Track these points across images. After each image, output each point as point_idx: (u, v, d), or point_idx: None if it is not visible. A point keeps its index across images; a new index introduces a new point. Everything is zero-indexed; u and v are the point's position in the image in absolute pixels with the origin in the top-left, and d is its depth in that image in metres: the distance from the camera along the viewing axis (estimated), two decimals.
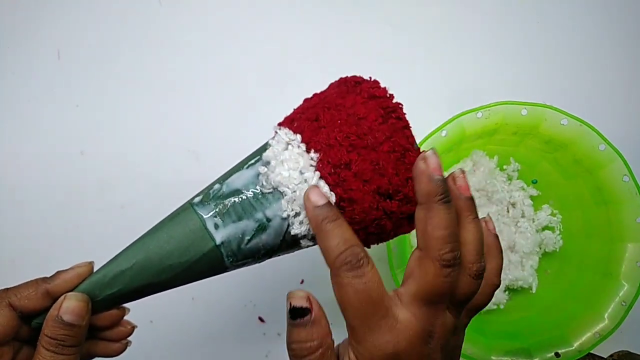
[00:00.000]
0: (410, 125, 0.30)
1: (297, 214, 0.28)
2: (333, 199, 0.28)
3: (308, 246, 0.30)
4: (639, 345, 0.48)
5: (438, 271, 0.24)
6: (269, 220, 0.28)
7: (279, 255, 0.31)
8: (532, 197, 0.52)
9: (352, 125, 0.28)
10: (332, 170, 0.28)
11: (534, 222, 0.51)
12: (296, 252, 0.53)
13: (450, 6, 0.60)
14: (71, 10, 0.58)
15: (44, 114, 0.56)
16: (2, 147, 0.55)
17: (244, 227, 0.28)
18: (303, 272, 0.53)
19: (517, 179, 0.52)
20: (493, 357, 0.43)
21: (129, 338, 0.31)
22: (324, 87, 0.59)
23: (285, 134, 0.29)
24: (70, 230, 0.53)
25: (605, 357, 0.46)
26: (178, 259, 0.27)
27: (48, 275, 0.28)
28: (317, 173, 0.28)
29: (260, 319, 0.52)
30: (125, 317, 0.32)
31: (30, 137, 0.55)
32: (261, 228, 0.28)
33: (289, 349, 0.25)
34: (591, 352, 0.43)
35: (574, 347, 0.43)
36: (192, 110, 0.56)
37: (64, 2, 0.58)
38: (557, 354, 0.43)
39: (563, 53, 0.59)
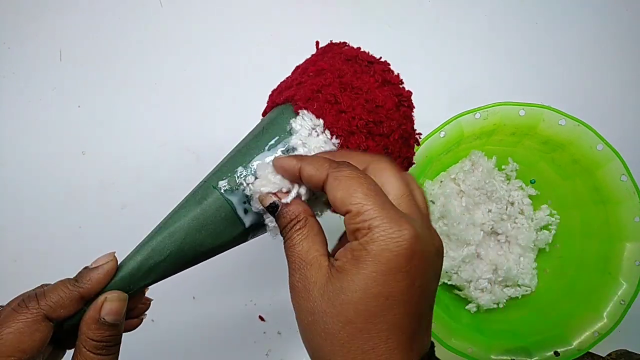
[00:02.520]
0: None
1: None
2: None
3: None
4: (638, 344, 0.48)
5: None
6: None
7: None
8: (530, 197, 0.53)
9: (370, 112, 0.29)
10: None
11: (532, 221, 0.52)
12: None
13: (448, 8, 0.60)
14: (73, 11, 0.59)
15: (46, 114, 0.56)
16: (3, 147, 0.55)
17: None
18: None
19: (516, 178, 0.53)
20: (492, 356, 0.43)
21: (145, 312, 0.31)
22: None
23: (310, 119, 0.30)
24: (72, 230, 0.53)
25: (603, 356, 0.46)
26: (210, 245, 0.28)
27: (45, 278, 0.28)
28: None
29: (261, 318, 0.52)
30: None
31: (32, 137, 0.56)
32: None
33: (282, 232, 0.26)
34: (590, 350, 0.43)
35: (573, 346, 0.43)
36: (192, 110, 0.57)
37: (65, 3, 0.59)
38: (556, 353, 0.43)
39: (561, 54, 0.59)
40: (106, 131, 0.56)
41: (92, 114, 0.56)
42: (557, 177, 0.51)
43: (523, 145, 0.50)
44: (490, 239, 0.52)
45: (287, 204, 0.26)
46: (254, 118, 0.56)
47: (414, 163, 0.33)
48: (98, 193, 0.54)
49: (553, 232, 0.51)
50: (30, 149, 0.55)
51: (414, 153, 0.33)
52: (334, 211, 0.25)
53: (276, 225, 0.27)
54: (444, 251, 0.49)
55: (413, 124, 0.32)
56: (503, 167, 0.53)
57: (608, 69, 0.58)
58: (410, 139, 0.31)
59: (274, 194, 0.27)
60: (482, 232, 0.50)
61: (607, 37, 0.59)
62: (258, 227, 0.30)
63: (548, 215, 0.52)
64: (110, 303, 0.25)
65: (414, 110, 0.32)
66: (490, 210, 0.51)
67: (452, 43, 0.59)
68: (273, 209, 0.26)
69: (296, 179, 0.26)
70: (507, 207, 0.52)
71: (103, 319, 0.25)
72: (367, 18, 0.59)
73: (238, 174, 0.29)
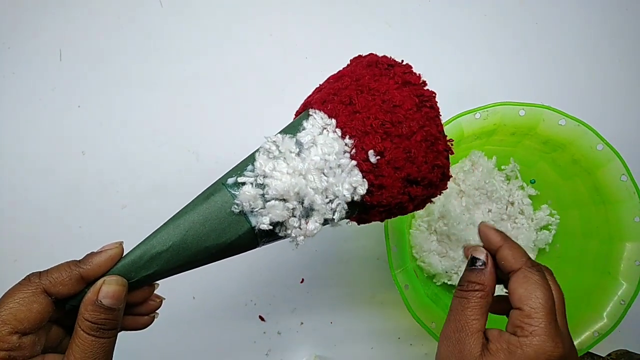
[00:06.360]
0: (441, 113, 0.30)
1: (330, 201, 0.28)
2: (365, 185, 0.28)
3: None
4: (638, 344, 0.48)
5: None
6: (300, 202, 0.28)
7: None
8: (531, 197, 0.53)
9: (387, 112, 0.28)
10: (366, 157, 0.28)
11: (532, 221, 0.52)
12: (297, 252, 0.54)
13: (449, 7, 0.60)
14: (73, 11, 0.59)
15: (46, 114, 0.56)
16: (3, 147, 0.55)
17: None
18: (303, 271, 0.53)
19: (516, 178, 0.53)
20: None
21: (157, 311, 0.31)
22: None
23: (321, 117, 0.29)
24: (72, 230, 0.53)
25: (603, 356, 0.46)
26: (215, 241, 0.28)
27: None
28: (353, 162, 0.28)
29: (261, 318, 0.52)
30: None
31: (32, 137, 0.56)
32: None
33: (459, 285, 0.30)
34: (590, 350, 0.43)
35: None
36: (192, 110, 0.56)
37: (65, 3, 0.59)
38: None
39: (561, 54, 0.59)
40: (106, 131, 0.56)
41: (92, 114, 0.56)
42: (557, 177, 0.51)
43: (523, 145, 0.50)
44: None
45: (485, 267, 0.30)
46: (254, 118, 0.57)
47: (451, 175, 0.32)
48: (98, 193, 0.54)
49: (553, 232, 0.51)
50: (30, 149, 0.55)
51: (448, 163, 0.30)
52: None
53: (299, 235, 0.28)
54: (445, 251, 0.49)
55: (440, 127, 0.30)
56: (503, 167, 0.53)
57: (608, 69, 0.58)
58: (437, 143, 0.29)
59: (486, 249, 0.31)
60: None
61: (607, 37, 0.59)
62: (268, 232, 0.29)
63: (548, 215, 0.52)
64: (108, 286, 0.26)
65: (441, 116, 0.30)
66: (490, 210, 0.51)
67: (452, 43, 0.59)
68: (474, 261, 0.31)
69: (489, 249, 0.31)
70: (507, 207, 0.52)
71: (100, 301, 0.25)
72: (367, 18, 0.59)
73: (247, 171, 0.29)
